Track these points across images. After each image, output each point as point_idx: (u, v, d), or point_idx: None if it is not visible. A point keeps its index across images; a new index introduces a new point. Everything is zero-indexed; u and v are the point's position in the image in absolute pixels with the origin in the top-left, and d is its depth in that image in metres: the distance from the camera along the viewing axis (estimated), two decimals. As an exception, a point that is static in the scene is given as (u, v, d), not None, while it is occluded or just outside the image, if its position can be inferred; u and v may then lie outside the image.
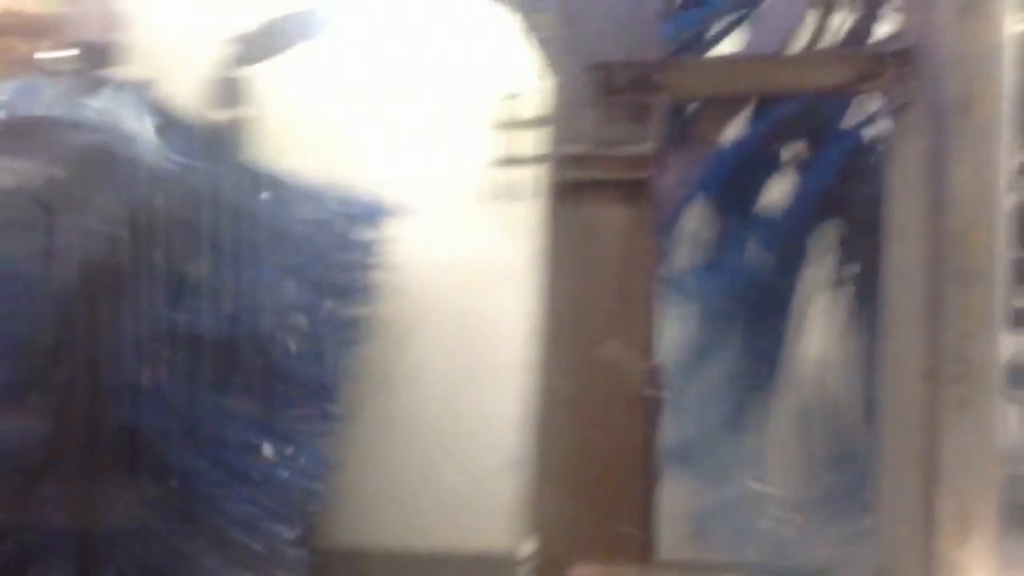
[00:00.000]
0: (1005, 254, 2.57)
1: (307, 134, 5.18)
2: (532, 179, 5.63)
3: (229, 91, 4.98)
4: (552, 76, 2.81)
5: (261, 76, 5.15)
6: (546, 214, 2.78)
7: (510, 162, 5.67)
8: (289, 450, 4.18)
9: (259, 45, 5.11)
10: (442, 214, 5.25)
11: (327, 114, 5.50)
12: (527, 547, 2.73)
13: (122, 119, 4.15)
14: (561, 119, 2.81)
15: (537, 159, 5.55)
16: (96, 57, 4.39)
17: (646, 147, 2.74)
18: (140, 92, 4.43)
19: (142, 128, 4.17)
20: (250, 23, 5.12)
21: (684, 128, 2.80)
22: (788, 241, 3.52)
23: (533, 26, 3.18)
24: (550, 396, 2.73)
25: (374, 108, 5.96)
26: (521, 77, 5.65)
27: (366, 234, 4.55)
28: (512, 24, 5.40)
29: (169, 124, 4.34)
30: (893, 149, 2.72)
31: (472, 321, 5.21)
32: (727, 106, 2.79)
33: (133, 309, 3.93)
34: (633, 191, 2.74)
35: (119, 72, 4.51)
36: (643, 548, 2.67)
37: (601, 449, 2.72)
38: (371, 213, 4.51)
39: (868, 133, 3.29)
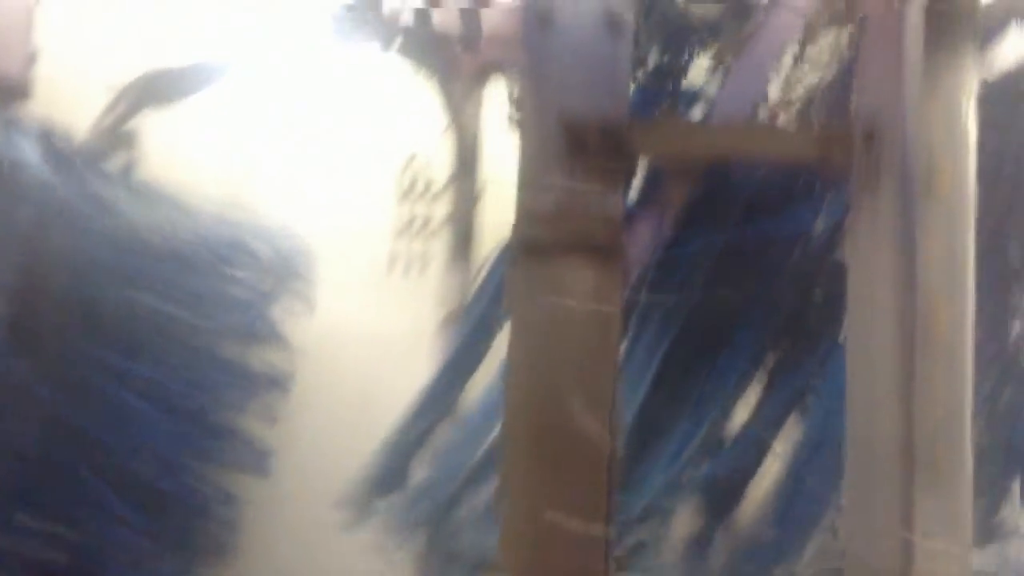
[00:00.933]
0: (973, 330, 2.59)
1: (202, 190, 5.02)
2: (435, 246, 5.64)
3: (122, 137, 4.81)
4: (521, 133, 2.74)
5: (157, 124, 5.00)
6: (513, 271, 2.69)
7: (414, 229, 5.61)
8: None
9: (156, 91, 4.96)
10: (343, 278, 5.15)
11: (224, 170, 5.36)
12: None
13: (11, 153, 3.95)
14: (529, 177, 2.73)
15: (440, 226, 5.56)
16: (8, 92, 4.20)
17: (614, 208, 2.69)
18: (39, 128, 4.24)
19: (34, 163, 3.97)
20: (150, 69, 4.97)
21: (649, 190, 2.75)
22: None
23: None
24: (513, 450, 2.63)
25: (275, 167, 5.86)
26: (427, 142, 5.65)
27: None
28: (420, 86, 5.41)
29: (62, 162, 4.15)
30: (856, 226, 2.72)
31: (369, 388, 5.09)
32: (693, 170, 2.75)
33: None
34: (601, 251, 2.68)
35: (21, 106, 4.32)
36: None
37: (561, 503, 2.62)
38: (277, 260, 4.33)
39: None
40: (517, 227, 2.73)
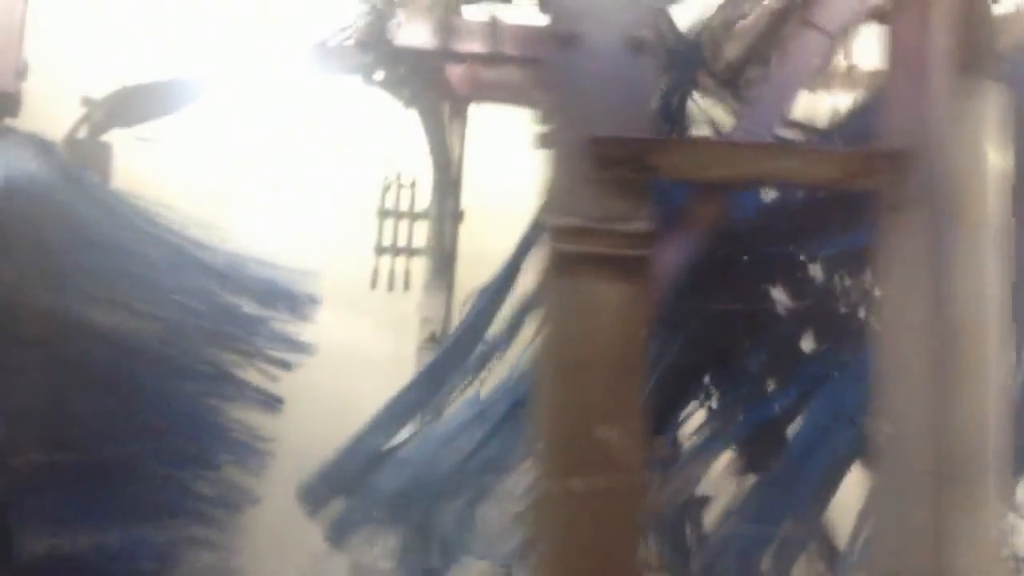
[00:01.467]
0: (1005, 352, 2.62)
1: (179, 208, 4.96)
2: (415, 266, 5.64)
3: (94, 153, 4.75)
4: (550, 148, 2.74)
5: (132, 141, 4.95)
6: (543, 286, 2.69)
7: (394, 251, 5.61)
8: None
9: (131, 106, 4.91)
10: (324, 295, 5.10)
11: (201, 189, 5.33)
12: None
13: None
14: (559, 191, 2.74)
15: (421, 246, 5.56)
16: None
17: (643, 224, 2.70)
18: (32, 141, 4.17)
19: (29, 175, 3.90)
20: (125, 83, 4.93)
21: (677, 209, 2.76)
22: None
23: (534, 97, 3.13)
24: (544, 466, 2.63)
25: (252, 188, 5.84)
26: (409, 162, 5.66)
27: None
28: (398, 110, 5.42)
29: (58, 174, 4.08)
30: (887, 248, 2.75)
31: (344, 407, 5.05)
32: (721, 189, 2.77)
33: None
34: (629, 267, 2.69)
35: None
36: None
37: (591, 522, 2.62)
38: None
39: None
40: (546, 243, 2.72)
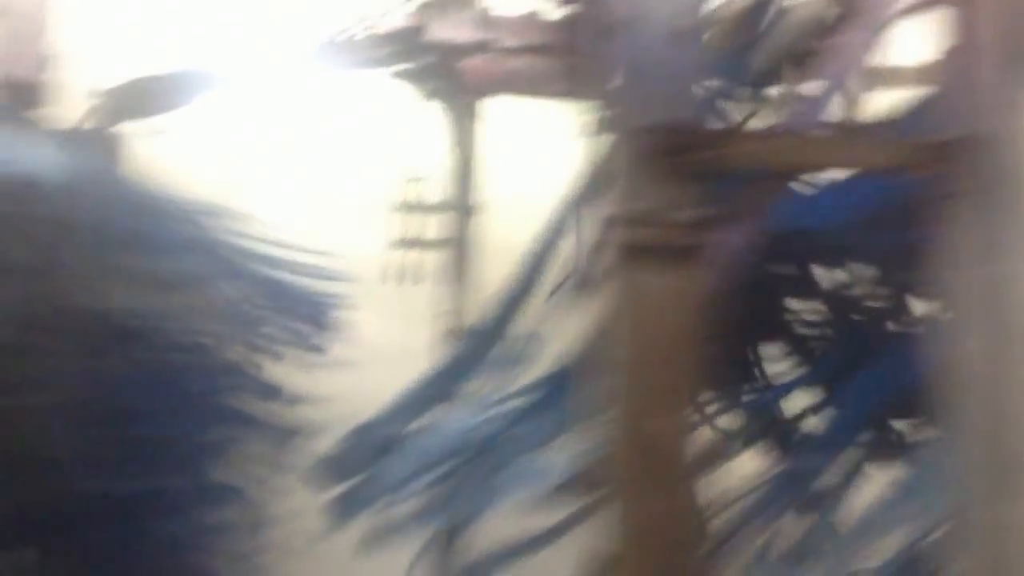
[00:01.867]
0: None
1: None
2: (430, 262, 5.62)
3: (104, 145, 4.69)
4: (609, 135, 2.73)
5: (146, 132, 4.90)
6: (603, 275, 2.68)
7: (411, 244, 5.58)
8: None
9: (142, 98, 4.87)
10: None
11: (214, 183, 5.29)
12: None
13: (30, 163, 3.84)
14: (617, 179, 2.72)
15: (437, 240, 5.53)
16: (21, 96, 4.10)
17: (702, 213, 2.69)
18: (59, 135, 4.14)
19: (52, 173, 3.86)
20: (137, 76, 4.88)
21: (734, 198, 2.75)
22: None
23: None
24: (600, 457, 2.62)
25: (270, 180, 5.80)
26: (423, 158, 5.63)
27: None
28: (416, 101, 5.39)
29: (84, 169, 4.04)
30: (943, 238, 2.74)
31: (359, 400, 5.03)
32: (779, 178, 2.75)
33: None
34: (688, 256, 2.68)
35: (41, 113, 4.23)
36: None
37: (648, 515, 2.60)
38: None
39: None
40: (603, 232, 2.71)
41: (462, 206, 5.46)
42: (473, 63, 4.87)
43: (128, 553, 3.67)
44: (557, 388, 3.52)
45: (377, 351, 4.60)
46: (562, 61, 4.56)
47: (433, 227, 5.62)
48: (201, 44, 5.06)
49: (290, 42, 4.81)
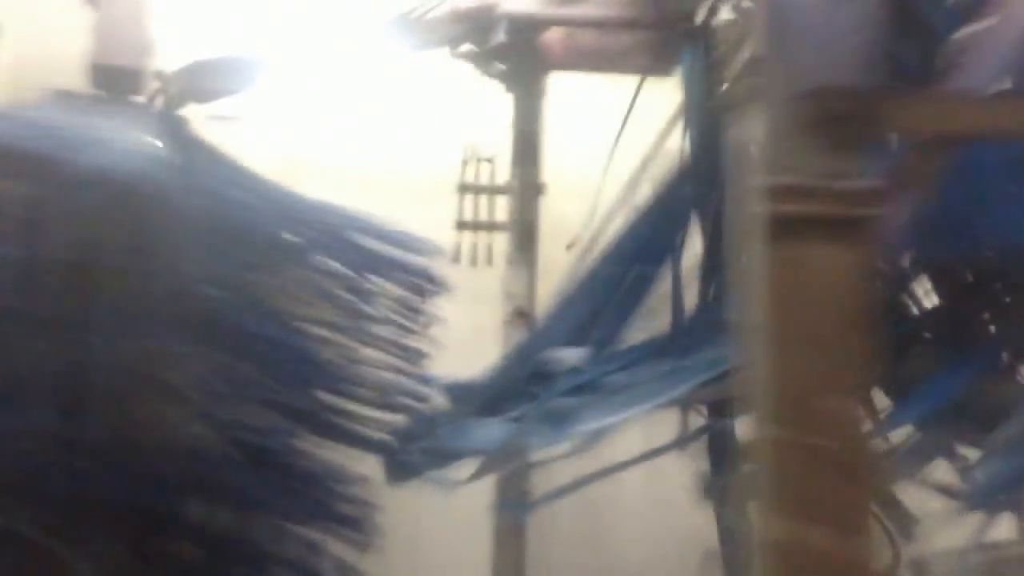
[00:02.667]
0: None
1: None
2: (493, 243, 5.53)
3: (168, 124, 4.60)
4: (765, 102, 2.61)
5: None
6: (755, 250, 2.56)
7: (475, 226, 5.50)
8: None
9: (202, 82, 4.76)
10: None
11: (276, 167, 5.20)
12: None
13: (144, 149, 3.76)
14: (774, 148, 2.61)
15: (501, 224, 5.44)
16: (123, 82, 4.02)
17: (867, 182, 2.58)
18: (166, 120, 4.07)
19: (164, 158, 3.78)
20: (199, 59, 4.78)
21: (896, 165, 2.64)
22: None
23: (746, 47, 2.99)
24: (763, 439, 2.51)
25: (333, 163, 5.73)
26: (488, 138, 5.53)
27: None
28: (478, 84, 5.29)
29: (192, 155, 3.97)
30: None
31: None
32: (947, 145, 2.64)
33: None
34: (852, 228, 2.57)
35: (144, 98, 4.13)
36: None
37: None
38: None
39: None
40: (762, 202, 2.59)
41: (526, 186, 5.37)
42: (551, 38, 4.76)
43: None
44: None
45: (446, 332, 4.52)
46: (644, 35, 4.47)
47: (499, 208, 5.54)
48: (267, 24, 4.95)
49: (361, 21, 4.70)
